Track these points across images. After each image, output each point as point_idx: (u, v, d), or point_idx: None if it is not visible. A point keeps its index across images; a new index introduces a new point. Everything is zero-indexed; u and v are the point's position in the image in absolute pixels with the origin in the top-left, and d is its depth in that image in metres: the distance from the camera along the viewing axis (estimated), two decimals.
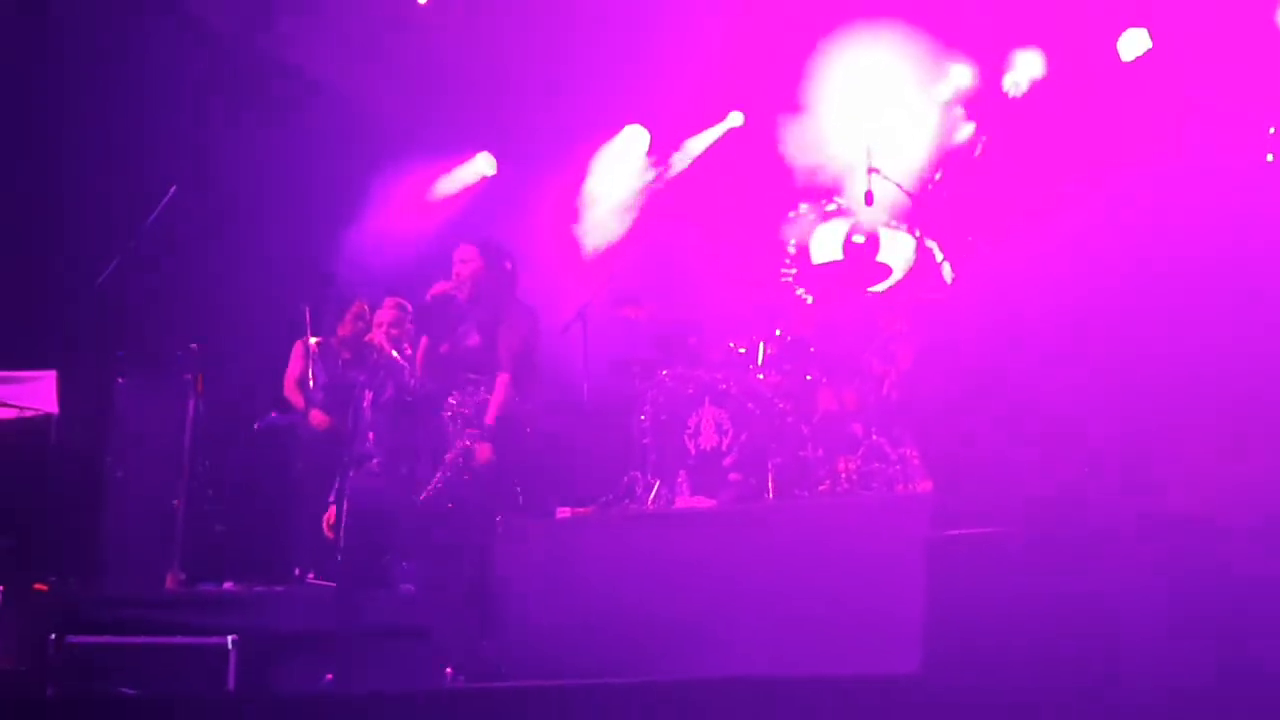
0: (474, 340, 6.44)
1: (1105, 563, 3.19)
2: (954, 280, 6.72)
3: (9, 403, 8.92)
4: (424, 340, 6.53)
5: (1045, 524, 3.34)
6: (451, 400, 6.34)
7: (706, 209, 8.95)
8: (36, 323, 7.26)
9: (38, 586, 6.55)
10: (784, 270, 7.75)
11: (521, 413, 6.38)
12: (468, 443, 6.21)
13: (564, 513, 6.97)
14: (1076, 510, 3.36)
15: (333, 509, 6.58)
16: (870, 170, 7.27)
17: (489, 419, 6.23)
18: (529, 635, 6.40)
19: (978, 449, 3.72)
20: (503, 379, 6.30)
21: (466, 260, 6.51)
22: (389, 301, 6.88)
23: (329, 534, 6.57)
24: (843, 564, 5.74)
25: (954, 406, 3.83)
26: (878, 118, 8.07)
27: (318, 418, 7.61)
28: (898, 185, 7.26)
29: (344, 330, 7.91)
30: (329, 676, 6.16)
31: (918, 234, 7.66)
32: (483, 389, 6.32)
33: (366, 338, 6.71)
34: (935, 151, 8.05)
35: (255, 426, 8.06)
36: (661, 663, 5.71)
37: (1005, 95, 8.35)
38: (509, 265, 6.58)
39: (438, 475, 6.22)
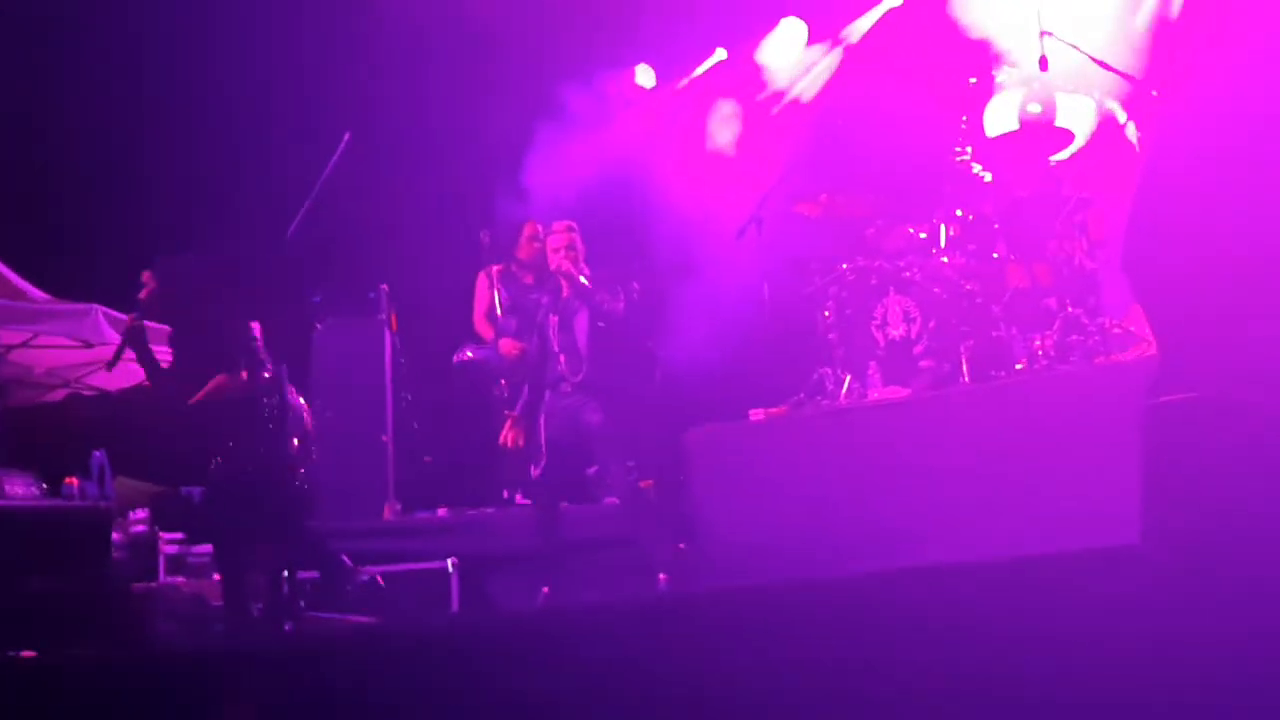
0: (167, 359, 6.63)
1: None
2: (1157, 136, 6.37)
3: None
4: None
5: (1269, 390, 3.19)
6: None
7: (873, 92, 8.73)
8: (236, 277, 7.56)
9: None
10: (958, 149, 7.51)
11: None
12: None
13: (757, 415, 6.97)
14: None
15: (510, 421, 6.74)
16: (1042, 34, 6.96)
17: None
18: (730, 538, 6.46)
19: (1205, 311, 3.54)
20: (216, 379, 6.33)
21: (145, 284, 6.54)
22: (557, 226, 6.91)
23: (510, 445, 6.73)
24: (1048, 441, 5.62)
25: (1179, 267, 3.64)
26: None
27: (507, 346, 7.76)
28: (1073, 46, 6.94)
29: (521, 253, 8.01)
30: (545, 590, 6.35)
31: (1098, 96, 7.33)
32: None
33: (551, 268, 6.77)
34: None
35: (454, 360, 8.24)
36: (869, 557, 5.69)
37: None
38: (187, 282, 6.54)
39: None
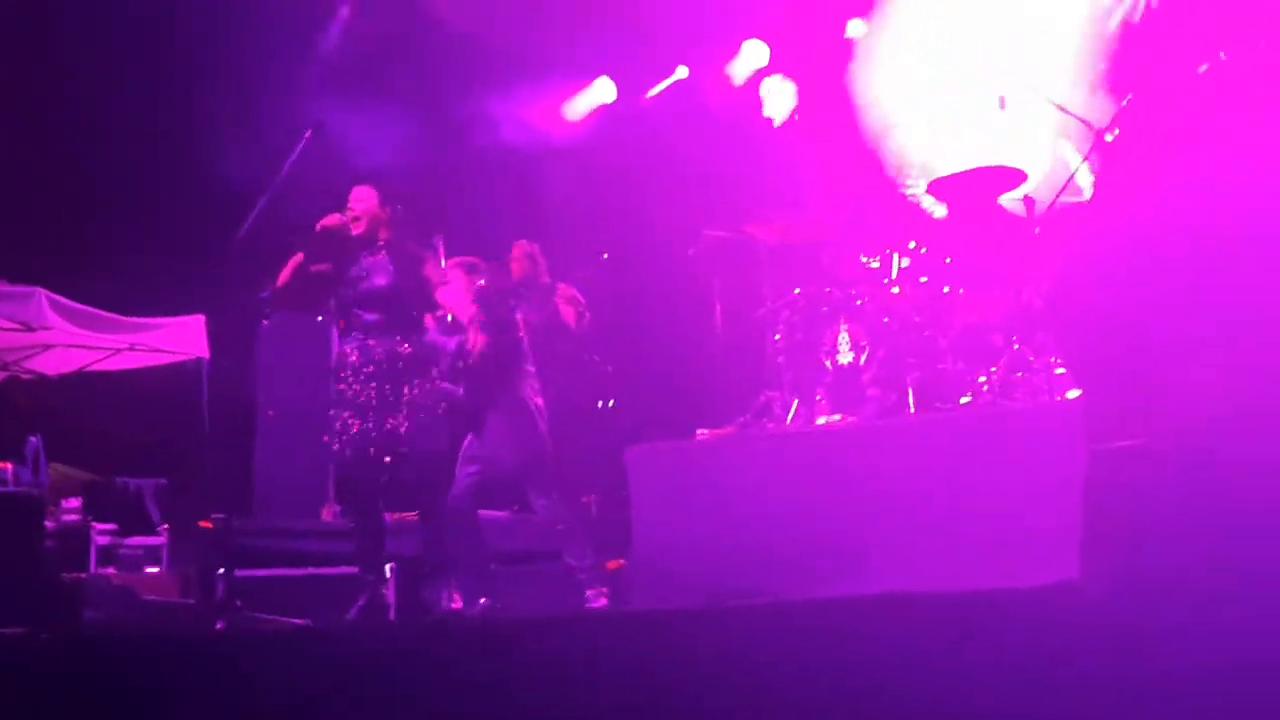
0: (381, 281, 6.29)
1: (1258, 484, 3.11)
2: (1097, 187, 6.50)
3: (163, 349, 9.29)
4: (298, 255, 6.30)
5: (1201, 438, 3.26)
6: (352, 353, 6.25)
7: (825, 125, 8.79)
8: (184, 271, 7.50)
9: (203, 524, 6.81)
10: (909, 182, 7.61)
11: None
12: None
13: (702, 434, 7.00)
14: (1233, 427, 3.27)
15: None
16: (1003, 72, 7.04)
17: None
18: (667, 557, 6.46)
19: (1128, 361, 3.62)
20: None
21: (363, 199, 6.37)
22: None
23: None
24: (988, 476, 5.67)
25: (1103, 318, 3.73)
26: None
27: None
28: (1032, 90, 7.04)
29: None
30: (483, 601, 6.32)
31: (1052, 137, 7.44)
32: (396, 334, 6.23)
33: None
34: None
35: None
36: (808, 583, 5.72)
37: None
38: (400, 209, 6.46)
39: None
